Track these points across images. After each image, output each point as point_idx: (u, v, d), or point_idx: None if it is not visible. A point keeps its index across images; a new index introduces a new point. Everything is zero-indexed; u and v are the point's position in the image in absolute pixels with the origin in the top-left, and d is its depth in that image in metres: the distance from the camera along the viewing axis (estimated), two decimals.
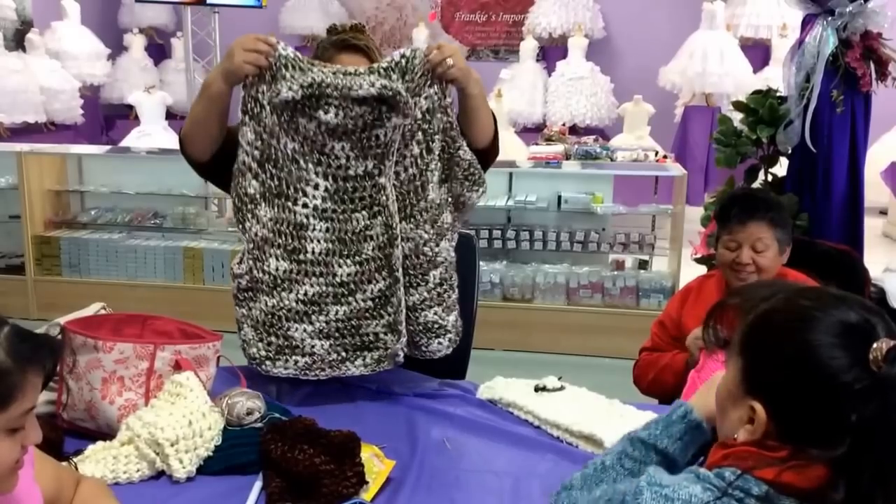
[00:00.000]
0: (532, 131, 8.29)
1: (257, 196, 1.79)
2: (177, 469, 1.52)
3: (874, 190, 5.98)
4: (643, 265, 4.62)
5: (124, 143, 7.55)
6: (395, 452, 1.65)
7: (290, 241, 1.80)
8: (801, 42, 3.42)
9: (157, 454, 1.54)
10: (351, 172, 1.80)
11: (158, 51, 9.99)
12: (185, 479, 1.53)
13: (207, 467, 1.56)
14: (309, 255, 1.81)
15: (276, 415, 1.70)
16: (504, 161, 5.31)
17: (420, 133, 1.82)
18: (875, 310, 0.96)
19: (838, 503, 0.88)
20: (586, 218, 4.56)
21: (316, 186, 1.79)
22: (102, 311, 1.89)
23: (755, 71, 8.18)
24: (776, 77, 6.71)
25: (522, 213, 4.62)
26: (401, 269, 1.85)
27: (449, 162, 1.87)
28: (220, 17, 6.48)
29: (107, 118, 9.55)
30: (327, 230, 1.81)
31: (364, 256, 1.82)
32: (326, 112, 1.74)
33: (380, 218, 1.81)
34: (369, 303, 1.85)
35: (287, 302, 1.83)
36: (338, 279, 1.82)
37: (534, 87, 8.77)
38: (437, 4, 9.82)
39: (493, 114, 1.96)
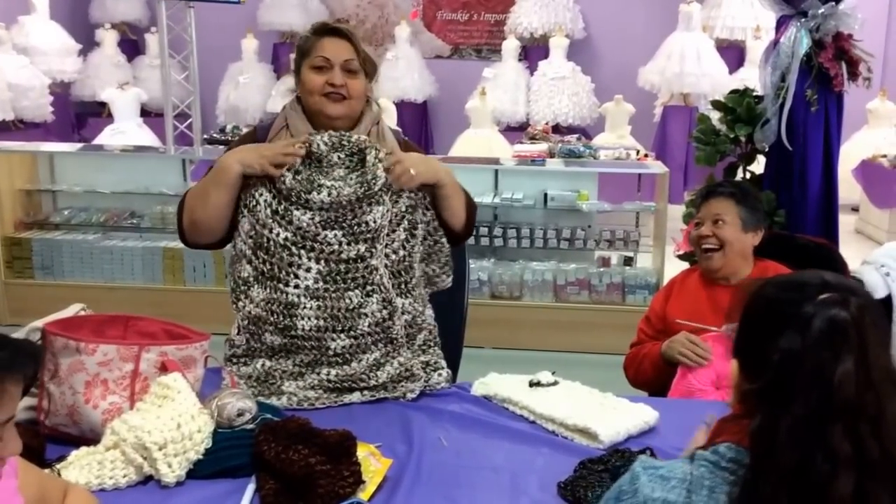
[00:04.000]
0: (515, 130, 8.32)
1: (251, 279, 1.86)
2: (165, 473, 1.47)
3: (846, 187, 6.06)
4: (628, 262, 4.64)
5: (97, 140, 7.43)
6: (391, 451, 1.63)
7: (281, 319, 1.84)
8: (776, 43, 3.47)
9: (145, 458, 1.48)
10: (343, 256, 1.85)
11: (131, 46, 9.83)
12: (175, 483, 1.48)
13: (198, 471, 1.51)
14: (300, 332, 1.85)
15: (268, 415, 1.65)
16: (489, 158, 5.32)
17: (406, 221, 1.92)
18: (844, 286, 0.99)
19: (751, 433, 0.94)
20: (572, 215, 4.56)
21: (308, 269, 1.84)
22: (82, 313, 1.83)
23: (731, 71, 8.27)
24: (751, 77, 6.78)
25: (509, 211, 4.61)
26: (403, 338, 1.92)
27: (431, 248, 1.99)
28: (197, 13, 6.39)
29: (78, 116, 9.38)
30: (318, 308, 1.84)
31: (360, 331, 1.86)
32: (319, 193, 1.81)
33: (375, 296, 1.86)
34: (364, 367, 1.89)
35: (283, 365, 1.89)
36: (330, 351, 1.87)
37: (516, 87, 8.81)
38: (418, 3, 9.79)
39: (467, 198, 2.02)
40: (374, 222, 1.84)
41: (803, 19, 3.33)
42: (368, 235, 1.84)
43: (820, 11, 3.30)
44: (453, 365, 2.30)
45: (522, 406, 1.82)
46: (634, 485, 0.99)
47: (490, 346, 4.23)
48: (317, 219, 1.82)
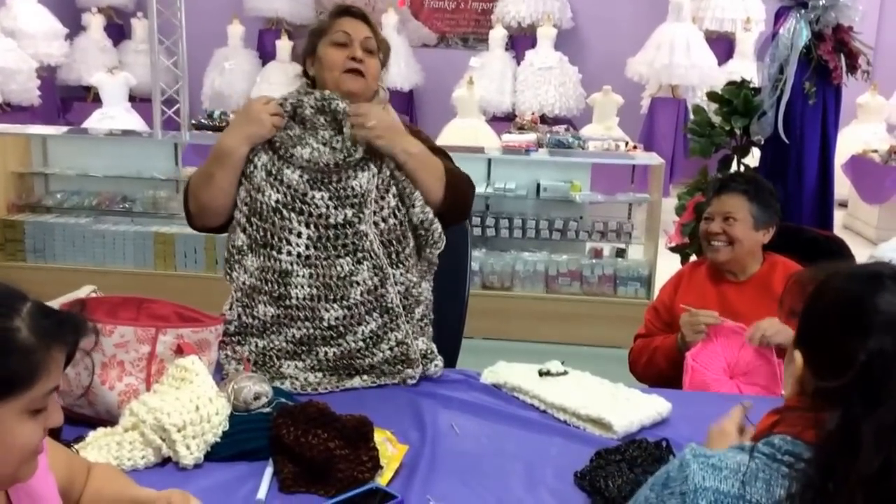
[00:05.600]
0: (502, 120, 8.33)
1: (244, 247, 1.87)
2: (184, 455, 1.47)
3: (835, 182, 6.12)
4: (620, 253, 4.65)
5: (87, 125, 7.36)
6: (405, 437, 1.63)
7: (275, 287, 1.84)
8: (774, 34, 3.48)
9: (164, 440, 1.48)
10: (331, 221, 1.84)
11: (117, 31, 9.75)
12: (193, 465, 1.48)
13: (215, 453, 1.51)
14: (294, 301, 1.84)
15: (283, 399, 1.66)
16: (478, 148, 5.31)
17: (394, 187, 1.89)
18: None
19: (829, 432, 0.91)
20: (564, 206, 4.57)
21: (299, 235, 1.84)
22: (93, 295, 1.83)
23: (720, 63, 8.32)
24: (740, 70, 6.85)
25: (501, 201, 4.62)
26: (400, 307, 1.89)
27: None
28: None
29: (63, 100, 9.30)
30: (310, 276, 1.84)
31: (352, 301, 1.85)
32: (303, 148, 1.83)
33: (366, 263, 1.85)
34: (360, 343, 1.88)
35: (277, 343, 1.88)
36: (325, 323, 1.85)
37: (503, 76, 8.80)
38: None
39: (446, 173, 1.95)
40: (360, 187, 1.84)
41: (803, 11, 3.35)
42: (355, 200, 1.84)
43: (820, 3, 3.31)
44: (453, 353, 2.31)
45: (533, 395, 1.81)
46: (684, 472, 0.96)
47: (480, 336, 4.24)
48: (305, 177, 1.84)
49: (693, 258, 3.62)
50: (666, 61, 8.08)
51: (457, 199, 1.97)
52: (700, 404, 1.86)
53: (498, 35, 9.00)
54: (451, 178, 1.95)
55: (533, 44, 8.98)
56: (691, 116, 4.16)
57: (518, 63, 8.98)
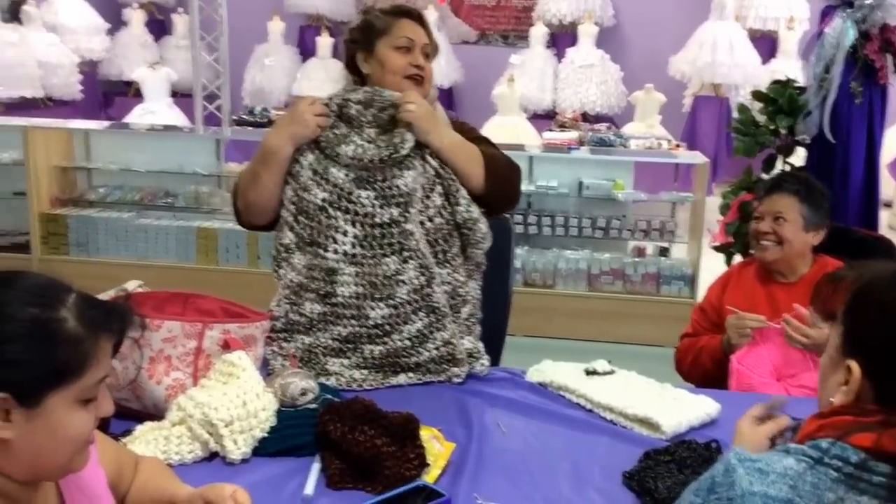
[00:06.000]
0: (542, 118, 8.27)
1: (292, 245, 1.89)
2: (231, 450, 1.47)
3: (881, 182, 5.99)
4: (664, 252, 4.61)
5: (128, 120, 7.46)
6: (451, 435, 1.62)
7: (322, 285, 1.86)
8: (820, 33, 3.43)
9: (211, 435, 1.48)
10: (377, 220, 1.84)
11: (158, 27, 9.86)
12: (240, 460, 1.48)
13: (262, 449, 1.51)
14: (340, 299, 1.85)
15: (329, 396, 1.65)
16: (519, 145, 5.29)
17: (439, 185, 1.89)
18: None
19: None
20: (607, 204, 4.54)
21: (345, 233, 1.84)
22: (139, 290, 1.83)
23: (763, 62, 8.19)
24: (784, 69, 6.75)
25: (543, 199, 4.60)
26: (447, 307, 1.88)
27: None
28: None
29: (105, 95, 9.43)
30: (356, 274, 1.84)
31: (398, 300, 1.85)
32: (348, 146, 1.83)
33: (412, 262, 1.84)
34: (406, 342, 1.88)
35: (323, 340, 1.89)
36: (371, 321, 1.86)
37: (543, 74, 8.75)
38: None
39: (487, 159, 1.92)
40: (406, 186, 1.83)
41: (849, 10, 3.31)
42: (401, 199, 1.84)
43: (867, 2, 3.26)
44: (497, 351, 2.30)
45: (580, 394, 1.79)
46: (730, 477, 0.93)
47: (521, 334, 4.21)
48: (351, 176, 1.84)
49: (737, 258, 3.57)
50: (709, 59, 7.97)
51: (501, 183, 1.96)
52: (749, 405, 1.80)
53: (539, 32, 8.94)
54: (492, 163, 1.94)
55: (574, 41, 8.91)
56: (734, 115, 4.11)
57: (559, 61, 8.91)
